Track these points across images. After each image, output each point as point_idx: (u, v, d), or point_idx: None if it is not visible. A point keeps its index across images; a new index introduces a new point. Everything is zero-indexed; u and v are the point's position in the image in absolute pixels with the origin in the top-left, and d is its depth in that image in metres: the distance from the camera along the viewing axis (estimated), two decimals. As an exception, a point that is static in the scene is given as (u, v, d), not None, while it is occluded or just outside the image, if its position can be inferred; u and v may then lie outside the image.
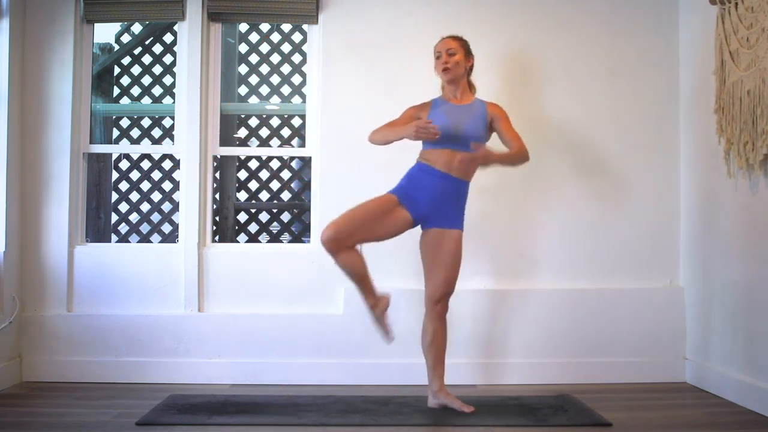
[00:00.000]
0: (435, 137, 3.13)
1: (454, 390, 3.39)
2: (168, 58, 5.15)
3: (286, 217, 5.20)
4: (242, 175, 5.36)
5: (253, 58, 5.02)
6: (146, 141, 5.29)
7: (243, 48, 5.19)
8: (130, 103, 5.25)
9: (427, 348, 3.30)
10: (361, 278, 3.21)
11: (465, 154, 3.22)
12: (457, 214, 3.31)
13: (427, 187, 3.26)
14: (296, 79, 4.97)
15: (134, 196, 5.18)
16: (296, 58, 4.92)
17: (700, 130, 3.78)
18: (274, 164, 5.25)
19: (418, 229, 3.40)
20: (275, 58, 4.95)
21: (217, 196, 5.10)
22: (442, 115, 3.28)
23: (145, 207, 5.19)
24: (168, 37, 5.15)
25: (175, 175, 5.06)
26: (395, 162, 3.43)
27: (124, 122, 5.33)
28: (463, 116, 3.28)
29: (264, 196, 5.20)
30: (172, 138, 4.50)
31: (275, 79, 4.96)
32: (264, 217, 5.20)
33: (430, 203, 3.25)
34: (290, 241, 5.12)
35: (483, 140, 3.30)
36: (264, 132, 5.25)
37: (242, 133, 5.34)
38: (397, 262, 3.87)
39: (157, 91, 5.21)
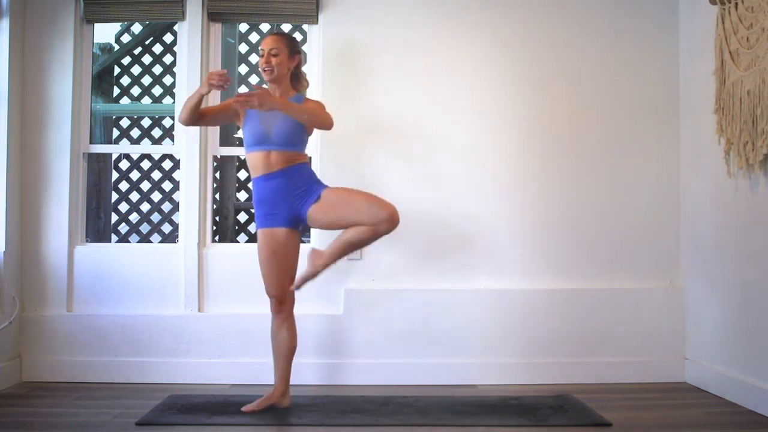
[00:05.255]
0: (228, 81, 3.13)
1: (454, 390, 3.38)
2: (168, 58, 5.15)
3: (286, 217, 5.18)
4: (242, 175, 5.36)
5: (253, 58, 5.02)
6: (146, 141, 5.30)
7: (243, 48, 5.19)
8: (130, 103, 5.25)
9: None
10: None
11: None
12: (307, 190, 3.25)
13: (271, 195, 3.25)
14: (296, 79, 4.96)
15: (134, 196, 5.19)
16: (296, 58, 4.92)
17: (700, 130, 3.78)
18: (274, 164, 5.24)
19: (420, 228, 3.41)
20: (275, 58, 4.94)
21: (217, 196, 5.11)
22: (255, 115, 3.27)
23: (145, 207, 5.19)
24: (168, 37, 5.15)
25: (175, 175, 5.06)
26: (395, 162, 3.44)
27: (124, 122, 5.34)
28: (276, 116, 3.24)
29: (264, 196, 5.18)
30: (172, 138, 4.50)
31: (275, 79, 4.95)
32: (264, 217, 5.19)
33: (284, 204, 3.24)
34: (290, 241, 5.11)
35: (296, 139, 3.27)
36: (264, 132, 5.24)
37: (242, 133, 5.33)
38: (396, 262, 3.88)
39: (157, 91, 5.22)
